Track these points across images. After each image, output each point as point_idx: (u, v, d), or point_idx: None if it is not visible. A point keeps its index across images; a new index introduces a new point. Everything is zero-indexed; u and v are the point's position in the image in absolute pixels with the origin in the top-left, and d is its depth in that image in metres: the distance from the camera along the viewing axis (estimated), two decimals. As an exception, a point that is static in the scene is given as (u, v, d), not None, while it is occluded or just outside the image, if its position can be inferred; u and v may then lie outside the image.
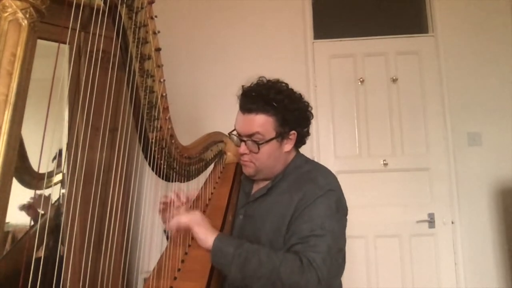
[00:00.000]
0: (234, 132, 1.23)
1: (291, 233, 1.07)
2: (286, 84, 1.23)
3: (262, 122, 1.15)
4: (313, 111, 1.26)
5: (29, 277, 0.65)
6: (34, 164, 1.58)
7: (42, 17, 0.56)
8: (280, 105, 1.15)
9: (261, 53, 2.73)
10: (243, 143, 1.19)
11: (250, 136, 1.16)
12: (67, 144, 1.62)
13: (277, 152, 1.19)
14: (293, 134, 1.20)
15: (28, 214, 1.66)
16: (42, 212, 1.63)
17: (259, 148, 1.16)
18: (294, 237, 1.05)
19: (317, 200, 1.08)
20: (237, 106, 1.21)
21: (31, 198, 1.61)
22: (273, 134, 1.16)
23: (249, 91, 1.19)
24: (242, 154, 1.21)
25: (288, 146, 1.20)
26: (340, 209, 1.12)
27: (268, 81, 1.22)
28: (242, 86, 1.22)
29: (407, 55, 2.72)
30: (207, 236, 1.01)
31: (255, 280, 0.97)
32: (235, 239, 1.05)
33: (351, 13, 2.86)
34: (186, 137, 1.31)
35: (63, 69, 1.61)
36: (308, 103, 1.25)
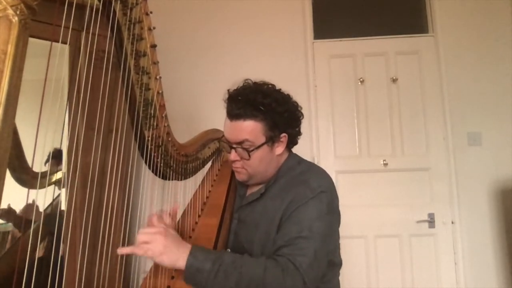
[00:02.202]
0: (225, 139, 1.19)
1: (279, 234, 1.05)
2: (273, 85, 1.19)
3: (250, 129, 1.11)
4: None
5: (27, 278, 0.65)
6: (35, 165, 1.58)
7: (33, 14, 0.55)
8: (268, 109, 1.11)
9: (261, 52, 2.73)
10: (233, 150, 1.15)
11: (239, 143, 1.13)
12: (68, 145, 1.61)
13: (269, 156, 1.16)
14: (284, 137, 1.17)
15: (8, 220, 1.64)
16: (39, 213, 1.62)
17: (249, 155, 1.12)
18: (282, 239, 1.02)
19: (308, 203, 1.05)
20: None
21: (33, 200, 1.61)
22: (263, 140, 1.12)
23: (236, 96, 1.14)
24: (233, 161, 1.18)
25: (279, 149, 1.17)
26: (331, 212, 1.09)
27: (254, 83, 1.18)
28: (228, 90, 1.17)
29: (407, 55, 2.72)
30: (176, 260, 0.89)
31: None
32: (211, 253, 0.94)
33: (351, 13, 2.85)
34: (183, 134, 1.31)
35: (63, 69, 1.60)
36: (297, 103, 1.21)
